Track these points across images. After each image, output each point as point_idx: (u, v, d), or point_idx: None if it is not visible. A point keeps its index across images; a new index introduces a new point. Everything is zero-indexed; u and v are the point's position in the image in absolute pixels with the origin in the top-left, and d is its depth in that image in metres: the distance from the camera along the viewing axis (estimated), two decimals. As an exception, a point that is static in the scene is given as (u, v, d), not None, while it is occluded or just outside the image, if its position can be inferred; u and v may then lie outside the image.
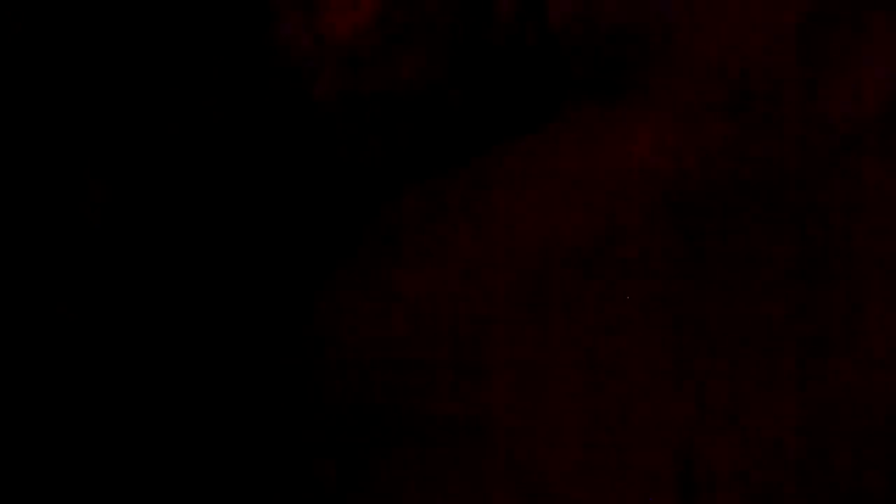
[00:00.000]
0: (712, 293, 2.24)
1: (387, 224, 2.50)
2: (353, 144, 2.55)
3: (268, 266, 2.51)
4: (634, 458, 1.98)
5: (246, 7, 2.42)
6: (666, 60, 2.46)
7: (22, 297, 2.24)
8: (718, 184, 2.40)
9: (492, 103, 2.55)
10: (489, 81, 2.53)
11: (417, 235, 2.44)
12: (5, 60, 2.24)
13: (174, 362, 2.36)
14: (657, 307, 2.24)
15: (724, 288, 2.25)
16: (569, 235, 2.34)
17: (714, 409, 2.03)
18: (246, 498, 2.20)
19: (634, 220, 2.36)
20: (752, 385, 2.05)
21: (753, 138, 2.43)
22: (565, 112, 2.54)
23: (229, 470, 2.24)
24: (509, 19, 2.49)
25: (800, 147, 2.40)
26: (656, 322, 2.22)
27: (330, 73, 2.48)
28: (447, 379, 2.17)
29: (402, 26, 2.44)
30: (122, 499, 2.21)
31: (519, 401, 2.10)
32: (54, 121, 2.29)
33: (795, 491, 1.95)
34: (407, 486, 2.13)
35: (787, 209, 2.37)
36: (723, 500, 1.95)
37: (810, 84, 2.41)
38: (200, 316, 2.41)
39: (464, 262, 2.35)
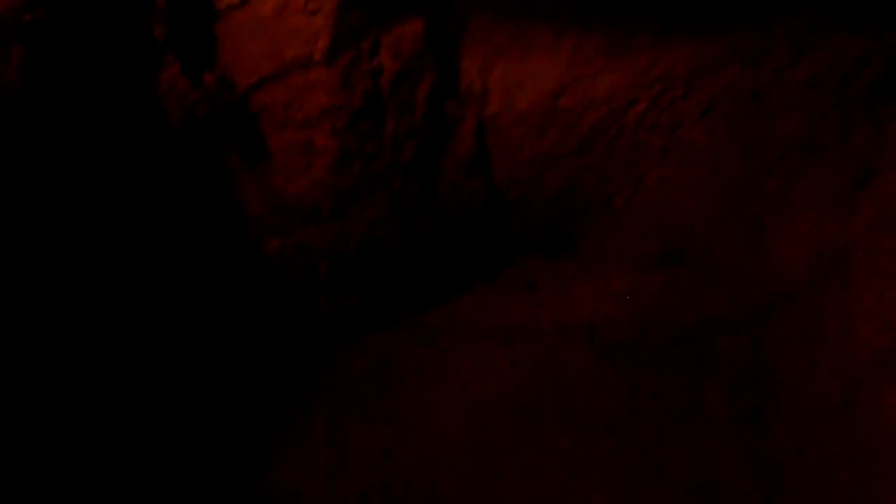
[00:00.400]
0: (652, 441, 2.34)
1: (340, 378, 2.56)
2: (305, 297, 2.61)
3: (220, 415, 2.53)
4: None
5: (205, 164, 2.47)
6: (606, 219, 2.60)
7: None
8: (654, 334, 2.53)
9: (442, 256, 2.64)
10: (439, 235, 2.62)
11: (370, 391, 2.51)
12: None
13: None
14: (601, 459, 2.33)
15: (663, 436, 2.35)
16: (516, 391, 2.44)
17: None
18: None
19: (578, 373, 2.47)
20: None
21: (687, 290, 2.57)
22: (514, 264, 2.66)
23: None
24: (459, 178, 2.60)
25: (732, 299, 2.54)
26: (601, 474, 2.31)
27: (282, 228, 2.55)
28: None
29: (352, 187, 2.53)
30: None
31: None
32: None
33: None
34: None
35: (721, 355, 2.50)
36: None
37: (742, 240, 2.55)
38: (151, 470, 2.41)
39: (415, 420, 2.42)
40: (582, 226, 2.62)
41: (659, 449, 2.29)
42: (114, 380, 2.41)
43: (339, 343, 2.65)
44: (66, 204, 2.34)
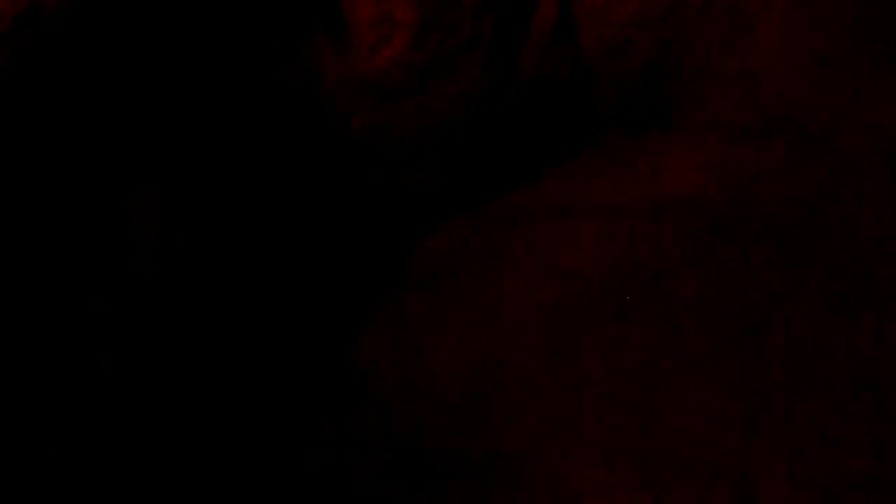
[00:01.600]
0: (762, 325, 2.23)
1: (426, 259, 2.52)
2: (389, 177, 2.57)
3: (312, 298, 2.54)
4: (690, 496, 1.98)
5: (286, 45, 2.44)
6: (699, 89, 2.46)
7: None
8: (750, 210, 2.40)
9: (526, 133, 2.56)
10: (522, 111, 2.54)
11: (456, 271, 2.46)
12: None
13: (219, 390, 2.40)
14: (693, 339, 2.24)
15: (774, 318, 2.24)
16: (606, 270, 2.35)
17: (769, 444, 2.03)
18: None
19: (670, 250, 2.36)
20: (805, 420, 2.04)
21: (786, 163, 2.43)
22: (601, 139, 2.55)
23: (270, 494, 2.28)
24: (542, 50, 2.50)
25: (832, 174, 2.40)
26: (703, 361, 2.21)
27: (366, 105, 2.50)
28: (489, 417, 2.20)
29: (434, 59, 2.46)
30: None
31: (564, 442, 2.12)
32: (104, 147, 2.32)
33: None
34: None
35: (821, 234, 2.36)
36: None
37: (847, 112, 2.40)
38: (246, 345, 2.45)
39: (502, 300, 2.37)
40: (673, 96, 2.49)
41: (752, 333, 2.19)
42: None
43: (424, 224, 2.61)
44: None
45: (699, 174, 2.45)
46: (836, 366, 2.12)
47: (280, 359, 2.48)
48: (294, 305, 2.52)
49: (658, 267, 2.34)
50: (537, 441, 2.18)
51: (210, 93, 2.44)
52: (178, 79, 2.40)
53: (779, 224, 2.35)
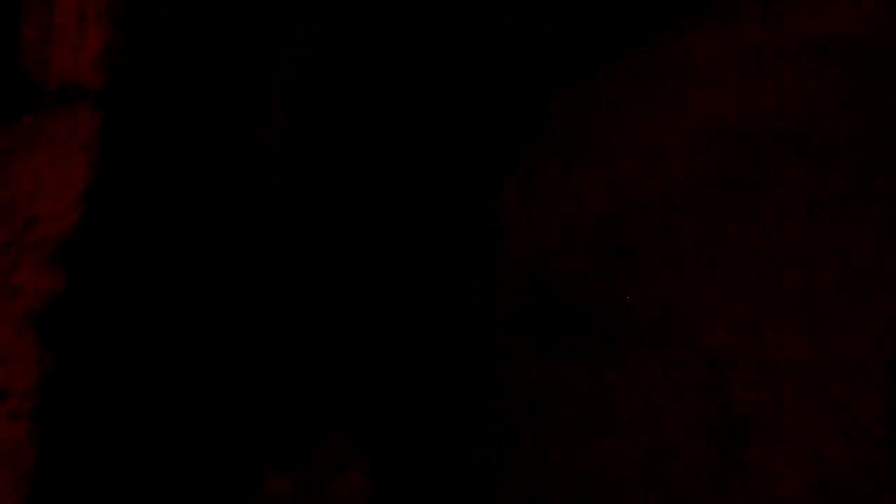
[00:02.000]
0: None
1: (564, 113, 2.38)
2: (522, 29, 2.42)
3: (449, 148, 2.44)
4: (839, 350, 1.86)
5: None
6: None
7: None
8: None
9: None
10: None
11: (594, 125, 2.32)
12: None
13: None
14: (860, 195, 2.09)
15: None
16: (752, 118, 2.20)
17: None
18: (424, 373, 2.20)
19: (835, 96, 2.19)
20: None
21: None
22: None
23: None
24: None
25: None
26: (861, 213, 2.06)
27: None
28: (632, 272, 2.10)
29: None
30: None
31: (716, 293, 2.02)
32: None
33: None
34: (595, 381, 2.07)
35: None
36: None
37: None
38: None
39: (642, 154, 2.24)
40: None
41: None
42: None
43: (560, 77, 2.46)
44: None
45: (854, 14, 2.23)
46: None
47: (415, 211, 2.39)
48: (432, 155, 2.42)
49: (804, 111, 2.16)
50: (686, 296, 2.08)
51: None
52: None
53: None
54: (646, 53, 2.38)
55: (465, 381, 2.58)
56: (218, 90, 2.11)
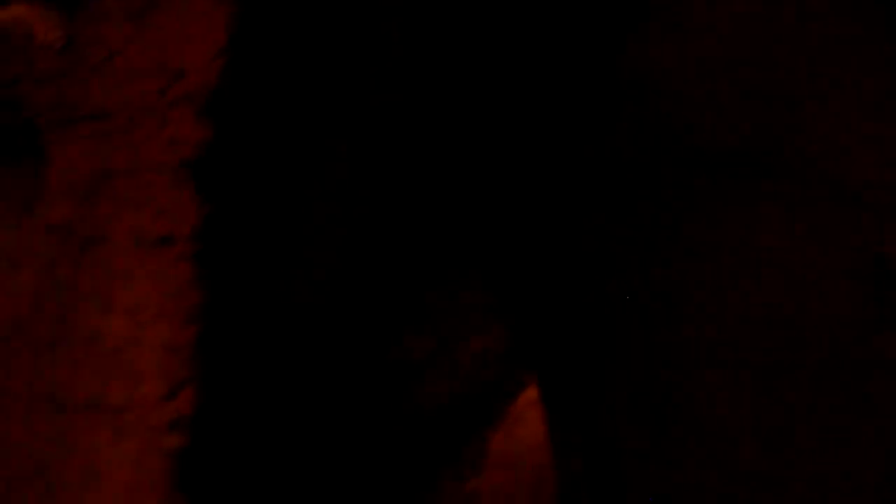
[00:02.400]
0: None
1: None
2: None
3: None
4: None
5: None
6: None
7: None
8: None
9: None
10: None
11: None
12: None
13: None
14: None
15: None
16: None
17: None
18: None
19: None
20: None
21: None
22: None
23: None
24: None
25: None
26: None
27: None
28: (762, 113, 2.05)
29: None
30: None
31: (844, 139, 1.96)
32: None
33: None
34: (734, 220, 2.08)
35: None
36: None
37: None
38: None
39: None
40: None
41: None
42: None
43: None
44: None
45: None
46: None
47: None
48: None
49: None
50: (815, 135, 2.04)
51: None
52: None
53: None
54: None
55: (599, 227, 2.56)
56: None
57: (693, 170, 2.34)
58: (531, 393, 5.51)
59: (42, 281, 1.77)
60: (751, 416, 2.73)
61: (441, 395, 5.11)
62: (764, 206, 2.32)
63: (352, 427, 3.40)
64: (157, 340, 1.70)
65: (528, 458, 5.46)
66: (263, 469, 1.96)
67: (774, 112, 2.17)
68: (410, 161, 2.44)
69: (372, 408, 3.84)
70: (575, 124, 2.55)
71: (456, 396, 5.18)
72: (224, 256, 1.75)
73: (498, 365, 5.44)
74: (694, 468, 2.94)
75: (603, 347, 3.06)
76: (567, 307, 3.11)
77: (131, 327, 1.70)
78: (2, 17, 1.97)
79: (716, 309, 2.64)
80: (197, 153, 1.70)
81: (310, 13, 2.00)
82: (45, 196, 1.82)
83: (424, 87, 2.27)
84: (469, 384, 5.23)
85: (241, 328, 1.81)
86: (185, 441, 1.70)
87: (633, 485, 3.18)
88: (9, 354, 1.75)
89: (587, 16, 2.46)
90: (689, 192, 2.42)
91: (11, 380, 1.70)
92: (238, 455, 1.84)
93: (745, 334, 2.61)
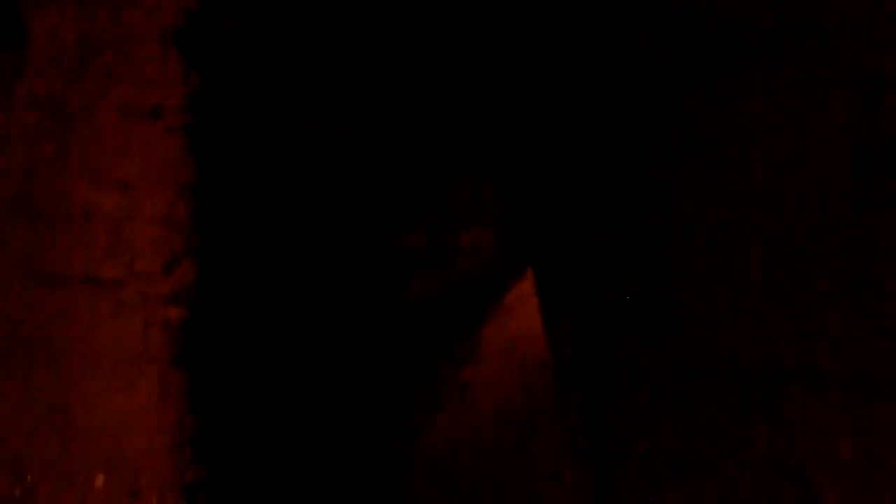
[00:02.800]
0: None
1: None
2: None
3: None
4: None
5: None
6: None
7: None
8: None
9: None
10: None
11: None
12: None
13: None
14: None
15: None
16: None
17: None
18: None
19: None
20: None
21: None
22: None
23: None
24: None
25: None
26: None
27: None
28: None
29: None
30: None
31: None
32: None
33: None
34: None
35: None
36: None
37: None
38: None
39: None
40: None
41: None
42: None
43: None
44: None
45: None
46: None
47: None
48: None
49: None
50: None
51: None
52: None
53: None
54: None
55: (597, 111, 2.53)
56: None
57: (692, 51, 2.29)
58: (524, 286, 5.57)
59: (31, 158, 1.75)
60: (745, 292, 2.76)
61: (434, 289, 5.16)
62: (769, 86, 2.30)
63: (347, 317, 3.44)
64: (151, 214, 1.69)
65: (520, 349, 5.55)
66: (260, 345, 1.99)
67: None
68: (404, 40, 2.39)
69: (367, 298, 3.86)
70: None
71: (449, 290, 5.23)
72: (216, 129, 1.72)
73: (491, 258, 5.48)
74: (685, 348, 2.99)
75: (598, 231, 3.06)
76: (563, 194, 3.10)
77: (125, 202, 1.68)
78: None
79: (713, 188, 2.63)
80: (181, 20, 1.65)
81: None
82: (29, 71, 1.78)
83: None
84: (462, 277, 5.28)
85: (235, 202, 1.80)
86: (184, 314, 1.71)
87: (622, 365, 3.23)
88: (4, 232, 1.74)
89: None
90: (691, 73, 2.38)
91: (8, 256, 1.69)
92: (235, 330, 1.86)
93: (743, 212, 2.61)
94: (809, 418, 2.81)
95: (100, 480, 1.66)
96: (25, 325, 1.70)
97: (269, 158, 1.93)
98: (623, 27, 2.39)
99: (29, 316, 1.69)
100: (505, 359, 5.60)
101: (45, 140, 1.74)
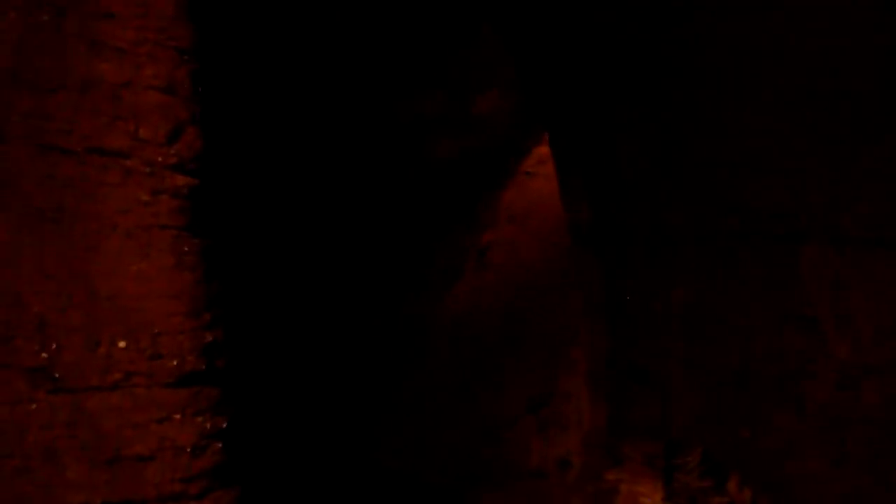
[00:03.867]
0: None
1: None
2: None
3: None
4: None
5: None
6: None
7: None
8: None
9: None
10: None
11: None
12: None
13: None
14: None
15: None
16: None
17: None
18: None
19: None
20: None
21: None
22: None
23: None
24: None
25: None
26: None
27: None
28: None
29: None
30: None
31: None
32: None
33: None
34: None
35: None
36: None
37: None
38: None
39: None
40: None
41: None
42: None
43: None
44: None
45: None
46: None
47: None
48: None
49: None
50: None
51: None
52: None
53: None
54: None
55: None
56: None
57: None
58: (543, 150, 5.50)
59: (25, 27, 1.71)
60: (768, 144, 2.69)
61: (453, 151, 5.12)
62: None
63: (368, 182, 3.43)
64: (153, 81, 1.66)
65: (537, 212, 5.56)
66: (273, 214, 2.00)
67: None
68: None
69: (387, 162, 3.84)
70: None
71: (468, 152, 5.19)
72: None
73: (509, 123, 5.40)
74: (706, 205, 2.95)
75: (615, 91, 2.98)
76: (580, 54, 3.00)
77: (124, 69, 1.65)
78: None
79: (738, 38, 2.52)
80: None
81: None
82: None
83: None
84: (481, 140, 5.23)
85: (241, 67, 1.76)
86: (192, 182, 1.71)
87: (638, 224, 3.21)
88: (4, 104, 1.72)
89: None
90: None
91: (11, 129, 1.69)
92: (248, 200, 1.87)
93: (766, 64, 2.52)
94: (824, 273, 2.80)
95: (122, 344, 1.72)
96: (36, 195, 1.71)
97: (276, 19, 1.87)
98: None
99: (39, 187, 1.70)
100: (523, 223, 5.61)
101: (38, 8, 1.69)
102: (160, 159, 1.68)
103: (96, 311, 1.71)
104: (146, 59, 1.65)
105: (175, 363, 1.71)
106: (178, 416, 1.69)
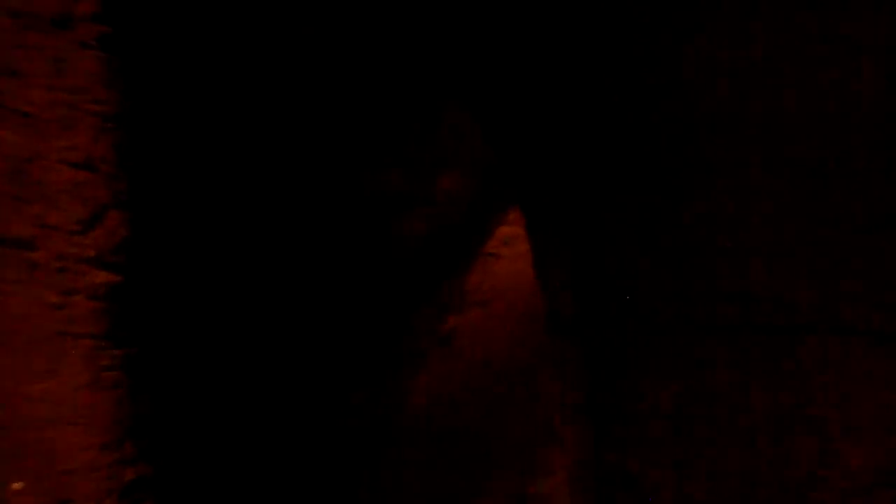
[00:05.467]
0: None
1: None
2: None
3: None
4: None
5: None
6: None
7: None
8: None
9: None
10: None
11: None
12: None
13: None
14: None
15: None
16: None
17: None
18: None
19: None
20: None
21: None
22: None
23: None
24: None
25: None
26: None
27: None
28: None
29: None
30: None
31: None
32: None
33: None
34: None
35: None
36: None
37: None
38: None
39: None
40: None
41: None
42: None
43: None
44: None
45: None
46: None
47: None
48: None
49: None
50: None
51: None
52: None
53: None
54: None
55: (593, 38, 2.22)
56: None
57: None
58: (504, 230, 5.32)
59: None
60: (764, 234, 2.50)
61: (417, 233, 4.91)
62: None
63: (325, 265, 3.11)
64: (67, 154, 1.33)
65: (503, 296, 5.33)
66: (213, 309, 1.66)
67: None
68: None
69: (347, 244, 3.54)
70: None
71: (431, 234, 4.99)
72: (145, 44, 1.36)
73: (472, 200, 5.22)
74: (702, 298, 2.74)
75: (604, 172, 2.75)
76: (563, 126, 2.79)
77: (30, 139, 1.33)
78: None
79: (736, 120, 2.35)
80: None
81: None
82: None
83: None
84: (444, 221, 5.03)
85: (174, 138, 1.44)
86: (114, 279, 1.37)
87: (628, 317, 2.98)
88: None
89: None
90: None
91: None
92: (181, 295, 1.53)
93: (767, 141, 2.34)
94: (829, 370, 2.60)
95: (17, 486, 1.34)
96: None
97: (216, 84, 1.57)
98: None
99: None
100: (489, 306, 5.37)
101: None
102: (74, 251, 1.34)
103: (-13, 442, 1.34)
104: (59, 128, 1.32)
105: (86, 510, 1.34)
106: (88, 580, 1.32)
